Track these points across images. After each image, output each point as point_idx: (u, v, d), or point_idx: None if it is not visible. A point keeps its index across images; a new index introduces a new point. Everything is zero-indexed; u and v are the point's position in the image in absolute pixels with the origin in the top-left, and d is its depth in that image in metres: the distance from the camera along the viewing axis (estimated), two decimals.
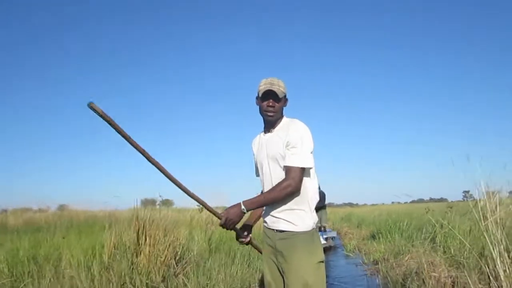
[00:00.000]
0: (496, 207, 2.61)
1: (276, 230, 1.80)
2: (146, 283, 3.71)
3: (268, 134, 1.88)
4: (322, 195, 8.81)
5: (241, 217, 1.72)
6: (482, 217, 2.58)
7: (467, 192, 3.11)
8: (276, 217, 1.80)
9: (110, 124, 1.58)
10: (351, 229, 13.58)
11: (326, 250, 8.18)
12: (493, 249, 2.39)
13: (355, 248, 8.49)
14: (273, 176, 1.81)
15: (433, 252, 4.91)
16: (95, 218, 10.05)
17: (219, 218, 1.75)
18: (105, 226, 4.88)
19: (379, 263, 5.75)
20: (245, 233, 2.01)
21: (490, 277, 2.50)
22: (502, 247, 2.35)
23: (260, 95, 1.83)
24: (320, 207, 8.98)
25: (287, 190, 1.69)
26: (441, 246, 5.15)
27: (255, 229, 2.10)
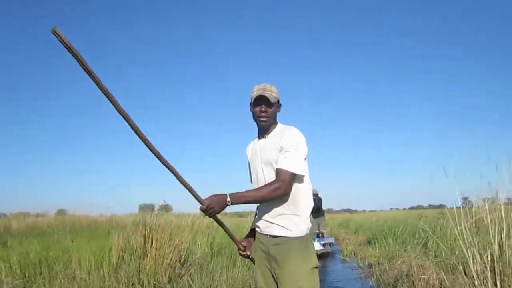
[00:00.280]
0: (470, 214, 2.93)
1: (270, 235, 1.78)
2: (154, 284, 3.95)
3: (262, 140, 1.87)
4: (319, 201, 9.02)
5: (223, 208, 1.65)
6: (457, 223, 2.90)
7: (466, 198, 3.33)
8: (269, 222, 1.78)
9: (76, 58, 1.32)
10: (349, 234, 13.82)
11: (324, 256, 8.34)
12: (467, 251, 2.72)
13: (351, 253, 8.74)
14: (267, 182, 1.77)
15: (424, 256, 5.19)
16: (96, 223, 10.29)
17: (201, 203, 1.64)
18: (109, 231, 5.10)
19: (373, 266, 6.05)
20: (244, 245, 1.94)
21: (468, 278, 2.80)
22: (474, 249, 2.67)
23: (252, 101, 1.84)
24: (318, 213, 9.12)
25: (276, 192, 1.67)
26: (433, 251, 5.42)
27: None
